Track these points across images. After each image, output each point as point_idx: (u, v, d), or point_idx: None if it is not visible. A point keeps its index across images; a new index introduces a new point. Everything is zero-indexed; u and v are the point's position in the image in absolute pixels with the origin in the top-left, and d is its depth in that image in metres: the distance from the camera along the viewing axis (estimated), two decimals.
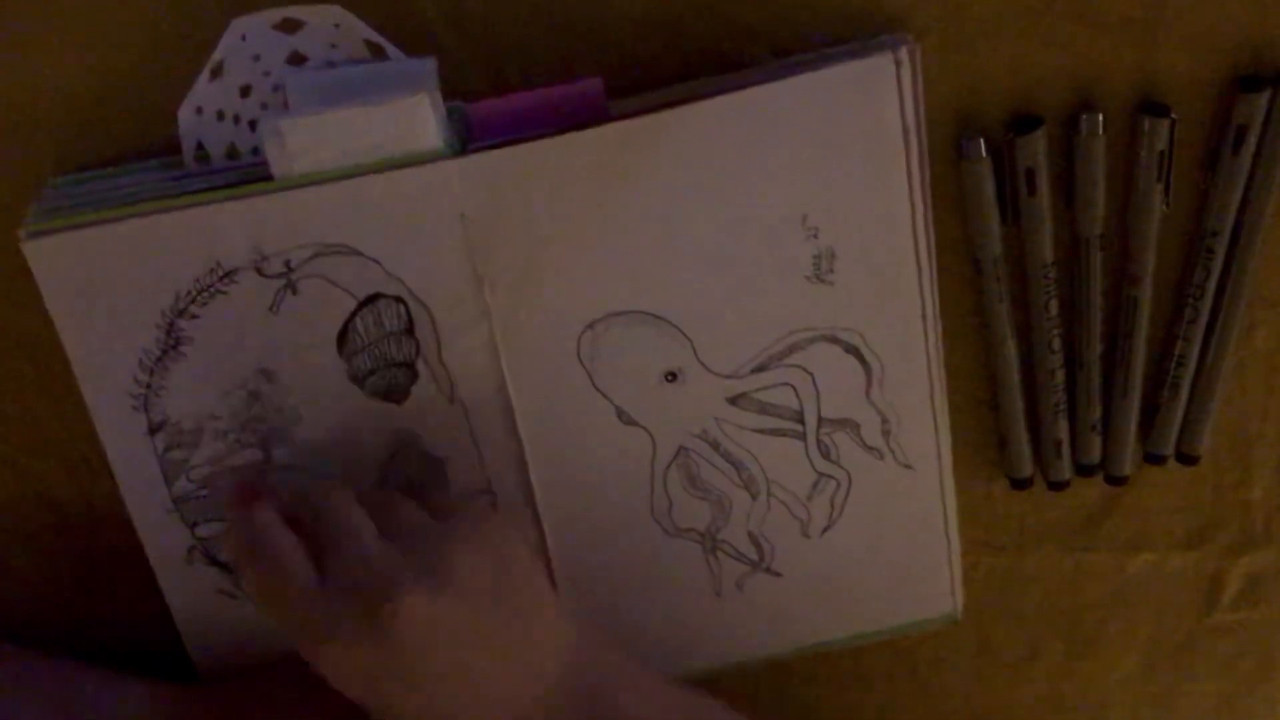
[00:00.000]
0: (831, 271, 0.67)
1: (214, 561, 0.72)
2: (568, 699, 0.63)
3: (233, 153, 0.66)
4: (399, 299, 0.66)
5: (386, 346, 0.67)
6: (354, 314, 0.67)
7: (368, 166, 0.63)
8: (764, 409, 0.71)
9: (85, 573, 0.75)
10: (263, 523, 0.63)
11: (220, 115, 0.65)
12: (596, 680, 0.64)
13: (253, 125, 0.65)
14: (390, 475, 0.70)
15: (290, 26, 0.64)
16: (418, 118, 0.62)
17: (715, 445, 0.71)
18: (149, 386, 0.67)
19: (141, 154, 0.66)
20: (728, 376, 0.70)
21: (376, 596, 0.59)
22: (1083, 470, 0.76)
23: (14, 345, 0.70)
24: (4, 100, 0.65)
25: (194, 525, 0.70)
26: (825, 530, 0.74)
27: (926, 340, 0.70)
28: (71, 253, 0.64)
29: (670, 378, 0.69)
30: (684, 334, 0.68)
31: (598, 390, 0.69)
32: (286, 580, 0.60)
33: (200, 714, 0.73)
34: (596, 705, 0.63)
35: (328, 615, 0.59)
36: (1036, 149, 0.67)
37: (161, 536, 0.71)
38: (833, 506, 0.73)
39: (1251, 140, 0.67)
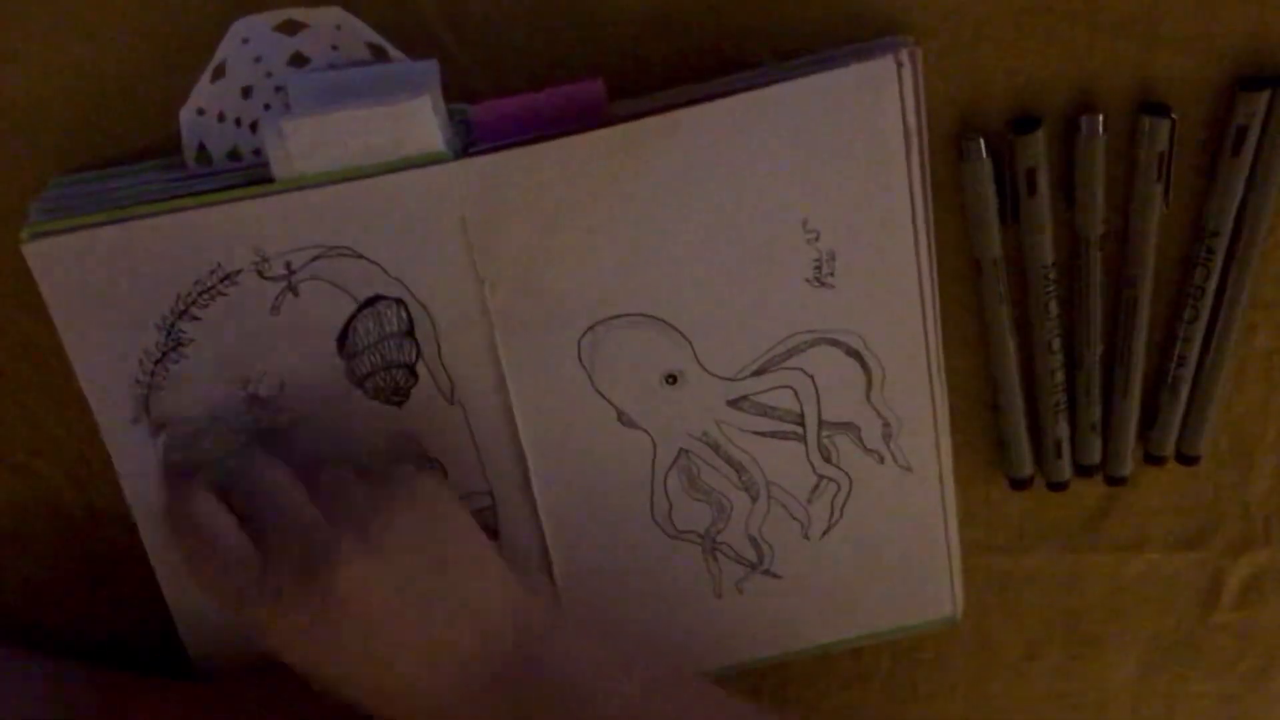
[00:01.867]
0: (832, 274, 0.67)
1: None
2: (512, 659, 0.62)
3: (234, 154, 0.66)
4: (399, 301, 0.66)
5: (387, 348, 0.67)
6: (354, 316, 0.67)
7: (369, 168, 0.63)
8: (764, 411, 0.71)
9: (85, 573, 0.75)
10: (195, 496, 0.63)
11: (221, 116, 0.65)
12: (545, 644, 0.64)
13: (254, 127, 0.65)
14: None
15: (292, 28, 0.64)
16: (419, 120, 0.62)
17: (715, 447, 0.71)
18: (150, 388, 0.67)
19: (142, 155, 0.66)
20: (728, 379, 0.70)
21: (312, 562, 0.59)
22: (1083, 470, 0.76)
23: (15, 347, 0.70)
24: (5, 101, 0.65)
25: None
26: (825, 533, 0.74)
27: (927, 343, 0.70)
28: (72, 254, 0.64)
29: (671, 380, 0.69)
30: (684, 336, 0.68)
31: (598, 392, 0.69)
32: (222, 556, 0.61)
33: (199, 712, 0.73)
34: (541, 667, 0.63)
35: (265, 585, 0.60)
36: (1036, 149, 0.67)
37: (161, 536, 0.71)
38: (833, 509, 0.74)
39: (1251, 140, 0.67)
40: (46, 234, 0.63)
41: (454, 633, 0.62)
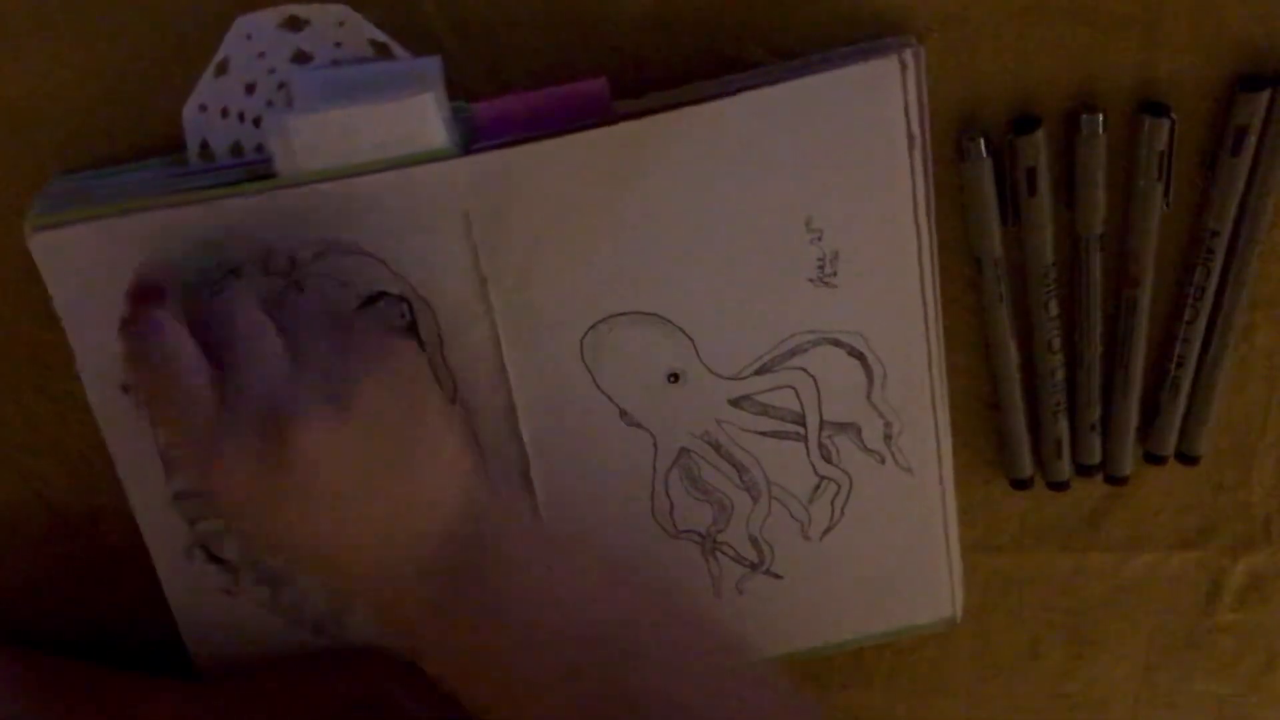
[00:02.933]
0: (834, 274, 0.67)
1: (214, 559, 0.72)
2: (463, 545, 0.60)
3: (237, 150, 0.66)
4: (402, 297, 0.66)
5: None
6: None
7: (372, 165, 0.63)
8: (766, 411, 0.71)
9: (85, 572, 0.75)
10: (160, 322, 0.59)
11: (225, 113, 0.65)
12: (486, 537, 0.61)
13: (257, 123, 0.65)
14: None
15: (295, 24, 0.64)
16: (423, 117, 0.62)
17: (717, 447, 0.71)
18: None
19: (146, 152, 0.66)
20: (730, 378, 0.70)
21: (275, 416, 0.57)
22: (1083, 470, 0.76)
23: (15, 347, 0.70)
24: (5, 100, 0.65)
25: (194, 522, 0.70)
26: (825, 533, 0.74)
27: (929, 343, 0.70)
28: (77, 247, 0.64)
29: (673, 379, 0.69)
30: (687, 335, 0.68)
31: (600, 390, 0.69)
32: (184, 384, 0.58)
33: (199, 712, 0.73)
34: (488, 556, 0.61)
35: (223, 431, 0.57)
36: (1037, 149, 0.67)
37: (162, 533, 0.71)
38: (833, 509, 0.74)
39: (1251, 140, 0.67)
40: (52, 226, 0.64)
41: (411, 511, 0.60)
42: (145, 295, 0.61)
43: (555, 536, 0.66)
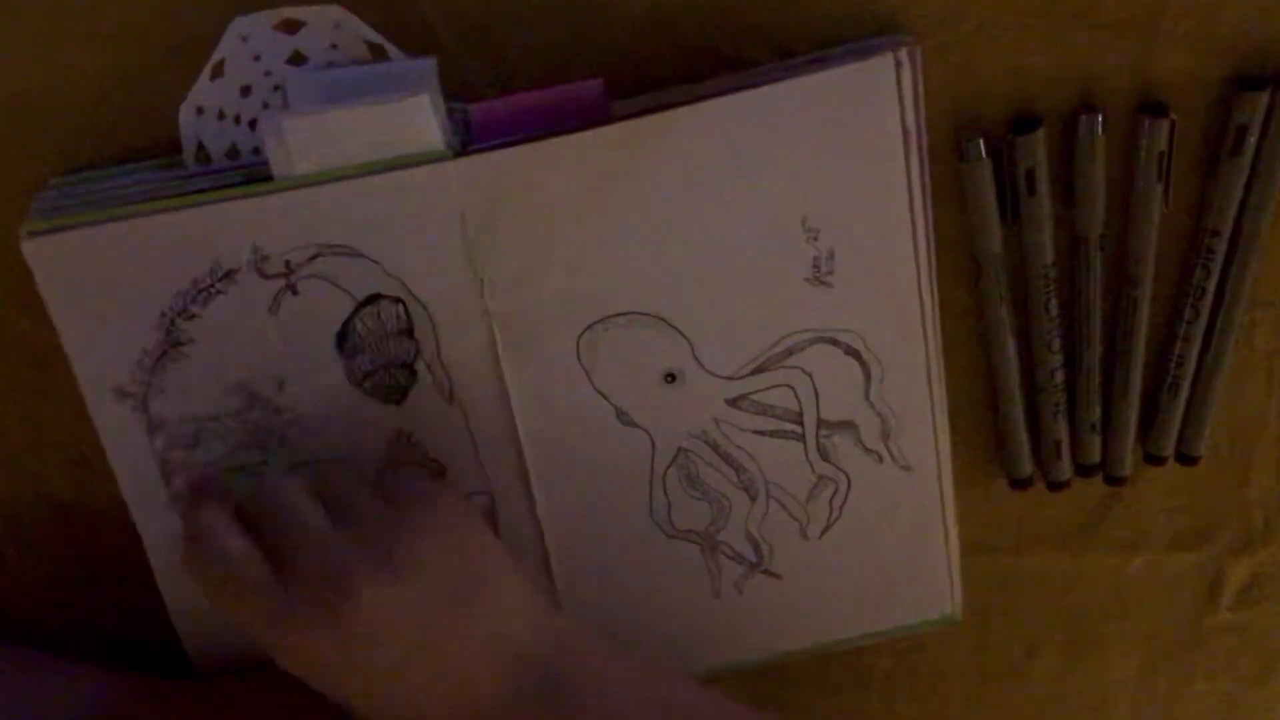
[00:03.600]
0: (831, 273, 0.67)
1: None
2: (542, 683, 0.61)
3: (233, 152, 0.66)
4: (398, 300, 0.66)
5: (386, 347, 0.67)
6: (353, 314, 0.67)
7: (368, 166, 0.63)
8: (763, 410, 0.71)
9: (85, 572, 0.75)
10: (211, 522, 0.61)
11: (221, 115, 0.65)
12: (563, 662, 0.62)
13: (253, 125, 0.65)
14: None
15: (291, 26, 0.64)
16: (418, 118, 0.62)
17: (714, 446, 0.71)
18: (148, 386, 0.67)
19: (142, 154, 0.66)
20: (727, 378, 0.70)
21: (333, 587, 0.58)
22: (1082, 470, 0.76)
23: (14, 346, 0.70)
24: (4, 100, 0.65)
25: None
26: (824, 532, 0.74)
27: (926, 342, 0.70)
28: (71, 252, 0.64)
29: (669, 379, 0.69)
30: (683, 335, 0.68)
31: (597, 391, 0.69)
32: (240, 578, 0.60)
33: (200, 713, 0.73)
34: (562, 690, 0.61)
35: (285, 609, 0.59)
36: (1036, 149, 0.67)
37: (160, 536, 0.71)
38: (831, 508, 0.73)
39: (1251, 140, 0.67)
40: (45, 232, 0.64)
41: (477, 661, 0.61)
42: (196, 497, 0.64)
43: (625, 653, 0.66)
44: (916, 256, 0.67)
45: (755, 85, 0.63)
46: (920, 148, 0.65)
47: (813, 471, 0.72)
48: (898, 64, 0.63)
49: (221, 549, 0.60)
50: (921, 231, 0.67)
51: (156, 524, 0.70)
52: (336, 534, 0.61)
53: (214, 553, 0.60)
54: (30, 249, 0.64)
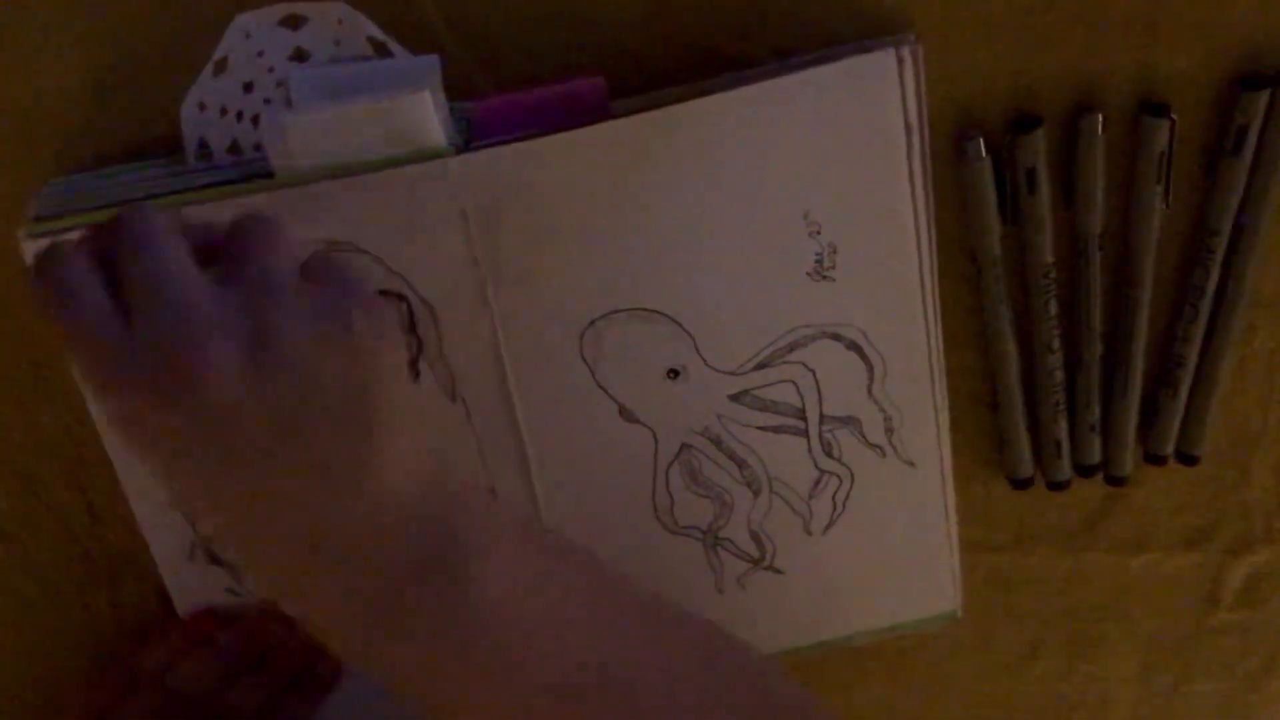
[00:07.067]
0: (833, 268, 0.67)
1: (215, 560, 0.72)
2: (420, 549, 0.52)
3: (235, 149, 0.66)
4: (401, 296, 0.66)
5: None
6: None
7: (370, 163, 0.63)
8: (766, 406, 0.71)
9: (85, 573, 0.75)
10: (68, 257, 0.52)
11: (223, 111, 0.65)
12: (451, 525, 0.52)
13: (256, 121, 0.65)
14: None
15: (294, 22, 0.64)
16: (420, 114, 0.62)
17: (717, 442, 0.71)
18: None
19: (144, 150, 0.66)
20: (730, 373, 0.70)
21: (183, 342, 0.49)
22: (1083, 470, 0.76)
23: (14, 346, 0.70)
24: (5, 100, 0.65)
25: (195, 522, 0.70)
26: (827, 528, 0.74)
27: (928, 336, 0.70)
28: None
29: (672, 375, 0.69)
30: (686, 331, 0.68)
31: (600, 387, 0.69)
32: (86, 311, 0.51)
33: None
34: (459, 564, 0.52)
35: (127, 360, 0.50)
36: (1036, 149, 0.67)
37: (164, 534, 0.71)
38: (834, 504, 0.74)
39: (1251, 140, 0.67)
40: (45, 232, 0.63)
41: (353, 488, 0.51)
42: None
43: (544, 541, 0.58)
44: (918, 251, 0.68)
45: (757, 80, 0.64)
46: (922, 144, 0.65)
47: (815, 467, 0.72)
48: (900, 59, 0.63)
49: (75, 285, 0.51)
50: (923, 226, 0.67)
51: (159, 522, 0.71)
52: (210, 292, 0.51)
53: (67, 287, 0.51)
54: (30, 249, 0.64)
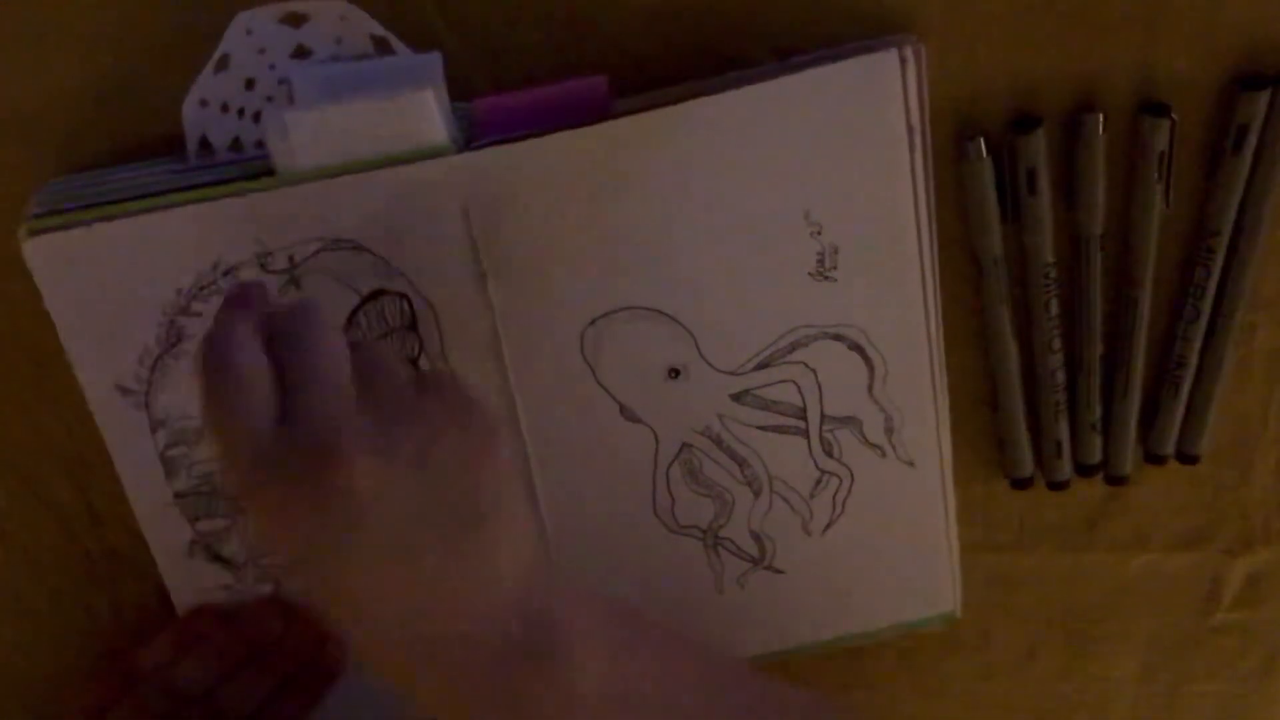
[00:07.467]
0: (835, 268, 0.67)
1: (215, 558, 0.72)
2: (523, 630, 0.54)
3: (237, 146, 0.66)
4: (402, 295, 0.66)
5: (389, 342, 0.67)
6: (357, 309, 0.67)
7: (372, 161, 0.63)
8: (767, 406, 0.71)
9: (85, 572, 0.75)
10: (240, 336, 0.55)
11: (225, 108, 0.65)
12: (560, 617, 0.56)
13: (257, 118, 0.65)
14: None
15: (295, 20, 0.64)
16: (422, 113, 0.62)
17: (718, 442, 0.71)
18: (150, 384, 0.67)
19: (146, 148, 0.66)
20: (731, 373, 0.70)
21: (326, 449, 0.52)
22: (1083, 470, 0.76)
23: (14, 345, 0.69)
24: (5, 99, 0.65)
25: (195, 520, 0.70)
26: (827, 528, 0.74)
27: (929, 337, 0.70)
28: (71, 251, 0.64)
29: (673, 374, 0.69)
30: (687, 330, 0.68)
31: (600, 386, 0.69)
32: (242, 408, 0.53)
33: None
34: (556, 647, 0.55)
35: (272, 457, 0.52)
36: (1037, 149, 0.67)
37: (163, 533, 0.71)
38: (835, 504, 0.74)
39: (1251, 140, 0.67)
40: (45, 231, 0.63)
41: (467, 589, 0.54)
42: (236, 302, 0.58)
43: (625, 616, 0.61)
44: (920, 252, 0.68)
45: (759, 80, 0.64)
46: (924, 144, 0.65)
47: (816, 467, 0.72)
48: (902, 59, 0.63)
49: (238, 364, 0.54)
50: (925, 227, 0.67)
51: (160, 522, 0.70)
52: (351, 397, 0.55)
53: (229, 366, 0.54)
54: (30, 249, 0.64)
